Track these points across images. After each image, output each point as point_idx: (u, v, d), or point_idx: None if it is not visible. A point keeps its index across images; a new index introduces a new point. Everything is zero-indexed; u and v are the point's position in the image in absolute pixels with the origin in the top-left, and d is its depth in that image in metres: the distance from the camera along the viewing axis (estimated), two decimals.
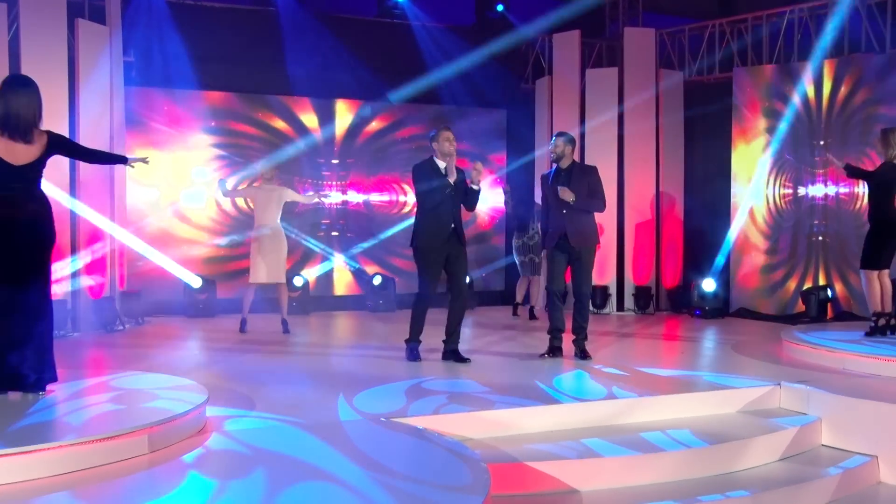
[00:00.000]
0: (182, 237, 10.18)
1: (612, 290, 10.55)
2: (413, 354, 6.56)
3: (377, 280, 10.68)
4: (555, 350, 6.70)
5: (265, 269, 8.08)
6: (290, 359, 6.97)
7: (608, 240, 10.54)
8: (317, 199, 9.35)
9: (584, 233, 6.62)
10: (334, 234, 11.06)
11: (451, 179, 6.33)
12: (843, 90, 9.32)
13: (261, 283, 8.24)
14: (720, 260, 10.19)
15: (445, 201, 6.36)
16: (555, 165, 6.80)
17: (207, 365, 6.51)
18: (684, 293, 10.51)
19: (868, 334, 6.83)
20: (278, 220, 8.21)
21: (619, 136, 10.66)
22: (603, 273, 10.59)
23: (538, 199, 9.62)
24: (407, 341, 6.61)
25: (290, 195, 8.40)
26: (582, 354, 6.68)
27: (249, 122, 10.52)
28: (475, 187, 6.41)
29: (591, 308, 10.30)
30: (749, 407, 5.47)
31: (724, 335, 8.48)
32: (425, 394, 5.35)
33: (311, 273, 10.83)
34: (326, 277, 11.02)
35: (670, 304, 10.72)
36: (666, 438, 4.75)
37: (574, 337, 6.74)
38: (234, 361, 6.70)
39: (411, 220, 6.97)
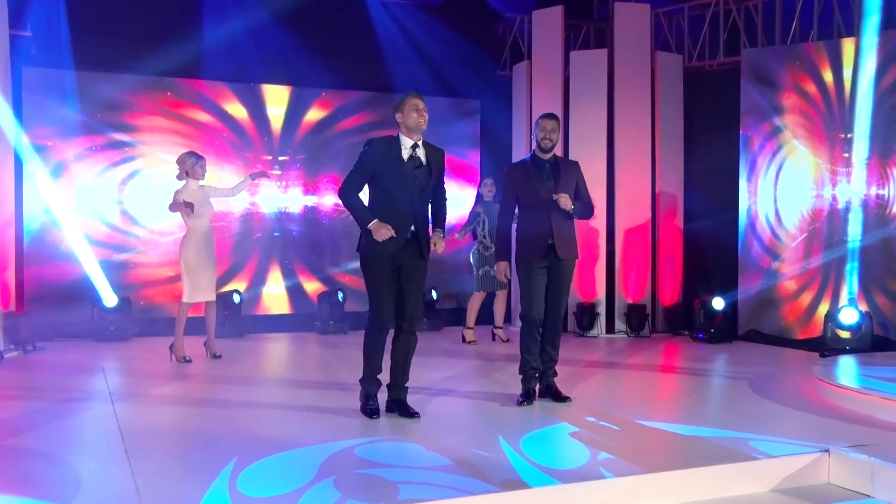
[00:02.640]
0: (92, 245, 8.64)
1: (601, 309, 9.02)
2: (369, 406, 4.92)
3: (340, 296, 9.11)
4: (531, 394, 5.38)
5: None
6: (177, 410, 5.18)
7: (596, 249, 9.06)
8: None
9: (570, 241, 5.39)
10: (276, 243, 9.50)
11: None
12: (878, 73, 7.77)
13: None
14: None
15: (407, 190, 4.75)
16: (529, 156, 5.50)
17: (57, 420, 4.85)
18: (685, 312, 9.00)
19: None
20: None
21: (609, 129, 9.17)
22: (590, 289, 9.07)
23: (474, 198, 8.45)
24: (361, 381, 4.99)
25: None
26: (557, 396, 5.38)
27: (172, 110, 8.95)
28: (437, 250, 4.90)
29: (577, 331, 9.01)
30: (786, 484, 3.97)
31: (737, 366, 6.98)
32: (335, 470, 3.80)
33: (251, 288, 9.28)
34: (270, 293, 9.46)
35: (668, 324, 9.20)
36: None
37: (543, 374, 5.43)
38: (97, 415, 4.97)
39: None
